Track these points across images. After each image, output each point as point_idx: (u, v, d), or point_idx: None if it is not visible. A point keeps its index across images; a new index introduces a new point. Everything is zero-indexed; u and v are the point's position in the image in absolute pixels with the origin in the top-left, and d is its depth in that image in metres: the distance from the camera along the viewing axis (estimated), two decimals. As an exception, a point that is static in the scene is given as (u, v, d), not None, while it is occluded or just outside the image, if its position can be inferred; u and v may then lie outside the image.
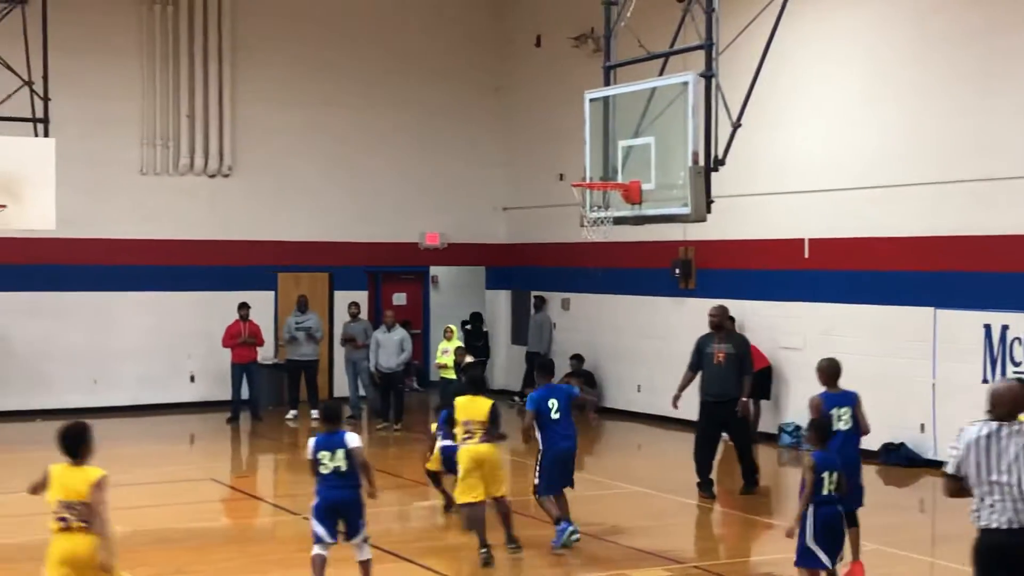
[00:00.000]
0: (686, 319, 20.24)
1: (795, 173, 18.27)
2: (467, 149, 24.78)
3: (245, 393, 21.03)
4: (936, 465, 15.97)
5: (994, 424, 7.09)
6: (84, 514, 7.83)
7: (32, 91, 19.10)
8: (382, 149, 24.02)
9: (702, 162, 12.02)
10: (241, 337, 20.86)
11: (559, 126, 21.92)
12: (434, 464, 13.20)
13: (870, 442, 16.42)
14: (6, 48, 19.06)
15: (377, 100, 23.89)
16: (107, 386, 21.49)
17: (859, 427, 10.77)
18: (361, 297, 23.35)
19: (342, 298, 22.67)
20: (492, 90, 24.93)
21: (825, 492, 9.35)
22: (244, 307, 21.02)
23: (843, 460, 9.92)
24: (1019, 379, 7.89)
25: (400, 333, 20.21)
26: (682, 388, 14.90)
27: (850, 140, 17.57)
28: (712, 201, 12.14)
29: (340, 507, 9.89)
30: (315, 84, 23.38)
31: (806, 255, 18.20)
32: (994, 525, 7.00)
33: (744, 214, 18.57)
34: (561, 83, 22.13)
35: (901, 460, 16.30)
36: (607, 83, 13.52)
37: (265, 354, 21.91)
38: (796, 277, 18.32)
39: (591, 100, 13.32)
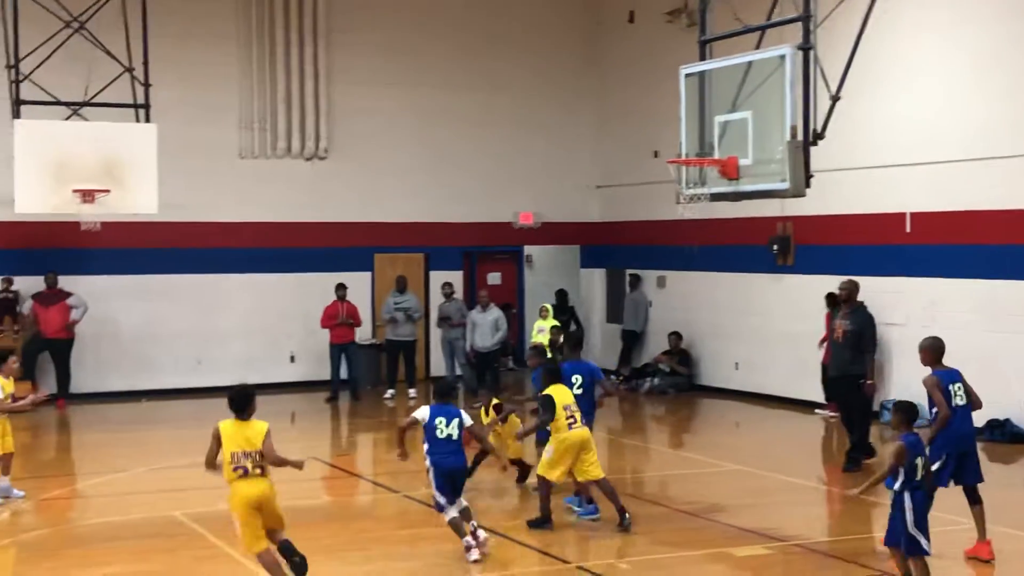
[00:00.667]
0: (784, 296, 20.07)
1: (896, 146, 17.94)
2: (561, 128, 24.74)
3: (344, 373, 21.27)
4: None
5: None
6: (259, 461, 9.26)
7: (133, 77, 19.46)
8: (476, 129, 24.06)
9: (800, 136, 11.86)
10: (339, 318, 21.08)
11: (653, 102, 21.79)
12: (515, 452, 13.28)
13: (975, 419, 16.17)
14: (108, 36, 19.43)
15: (470, 80, 23.93)
16: (210, 367, 21.83)
17: (971, 402, 10.71)
18: (456, 277, 23.45)
19: (438, 278, 22.79)
20: (586, 67, 24.84)
21: (919, 477, 9.15)
22: (342, 288, 21.23)
23: (965, 435, 10.27)
24: None
25: (495, 313, 20.28)
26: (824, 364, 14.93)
27: (953, 111, 17.21)
28: (811, 176, 11.98)
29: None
30: (409, 66, 23.49)
31: (908, 229, 17.87)
32: None
33: (843, 188, 18.28)
34: (655, 59, 21.98)
35: (1005, 437, 16.00)
36: (702, 58, 13.38)
37: (363, 334, 22.11)
38: (898, 252, 18.00)
39: (686, 75, 13.19)
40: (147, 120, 19.20)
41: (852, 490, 9.43)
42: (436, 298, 22.25)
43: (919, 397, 17.16)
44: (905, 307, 17.62)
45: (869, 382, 14.46)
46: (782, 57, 11.86)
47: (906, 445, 9.14)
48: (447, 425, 10.69)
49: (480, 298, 20.75)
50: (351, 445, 18.86)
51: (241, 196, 22.42)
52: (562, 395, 11.85)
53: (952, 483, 10.72)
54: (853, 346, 14.49)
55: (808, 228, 19.59)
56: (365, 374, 21.98)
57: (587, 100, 24.86)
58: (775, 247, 20.17)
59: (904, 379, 16.04)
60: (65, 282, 20.69)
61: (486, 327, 20.21)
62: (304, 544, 9.84)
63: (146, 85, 19.43)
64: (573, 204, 24.95)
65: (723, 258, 21.48)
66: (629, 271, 23.80)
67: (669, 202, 14.20)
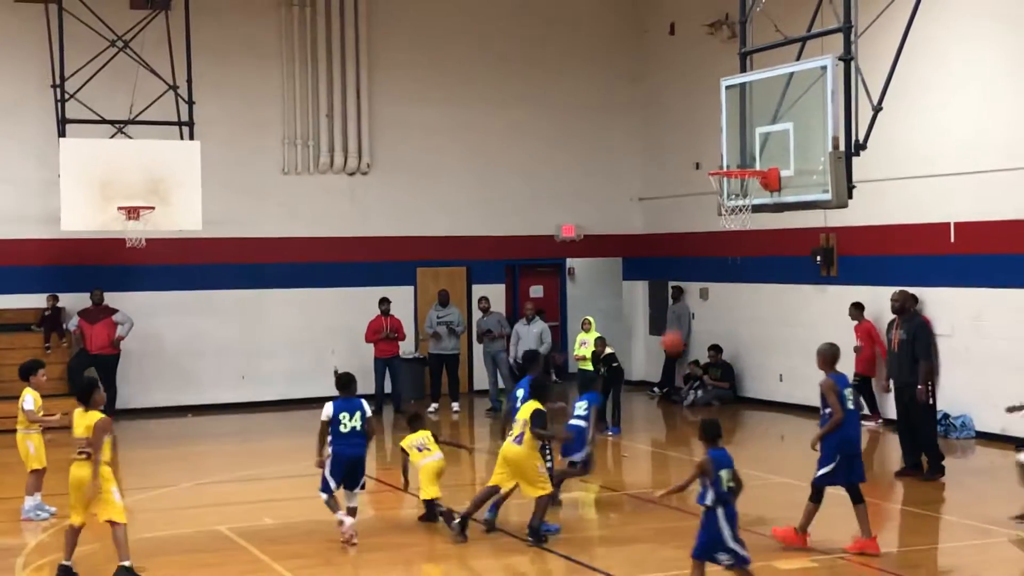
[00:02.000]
0: (828, 307, 19.94)
1: (939, 156, 17.81)
2: (602, 140, 24.74)
3: (388, 387, 21.32)
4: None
5: None
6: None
7: (177, 95, 19.67)
8: (516, 142, 24.12)
9: (842, 147, 11.83)
10: (383, 332, 21.15)
11: (695, 114, 21.77)
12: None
13: (1019, 428, 16.02)
14: (151, 54, 19.66)
15: (510, 93, 23.99)
16: (254, 382, 21.98)
17: (858, 407, 11.58)
18: (498, 291, 23.49)
19: (480, 292, 22.83)
20: (626, 79, 24.84)
21: (726, 489, 9.24)
22: (385, 302, 21.30)
23: (854, 438, 11.20)
24: None
25: (540, 325, 20.29)
26: (886, 375, 15.18)
27: (995, 120, 17.07)
28: (853, 186, 11.94)
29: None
30: (449, 80, 23.58)
31: (952, 239, 17.74)
32: None
33: (886, 199, 18.18)
34: (696, 70, 21.96)
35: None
36: (743, 69, 13.37)
37: (406, 348, 22.18)
38: (942, 262, 17.86)
39: (727, 87, 13.18)
40: (191, 137, 19.40)
41: (658, 492, 9.64)
42: (478, 312, 22.29)
43: (968, 408, 17.06)
44: (950, 318, 17.48)
45: (920, 388, 14.40)
46: (823, 68, 11.84)
47: (711, 459, 9.24)
48: (350, 418, 11.59)
49: (525, 310, 20.77)
50: (395, 459, 18.84)
51: (284, 211, 22.56)
52: (521, 409, 11.84)
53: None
54: (910, 355, 14.46)
55: (851, 239, 19.48)
56: (409, 388, 22.04)
57: (629, 112, 24.86)
58: (818, 258, 20.07)
59: (952, 390, 15.92)
60: (111, 299, 20.89)
61: (530, 339, 20.21)
62: (348, 559, 9.90)
63: (190, 103, 19.63)
64: (615, 216, 24.93)
65: (766, 269, 21.39)
66: (672, 283, 23.75)
67: (711, 214, 14.20)
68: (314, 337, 22.66)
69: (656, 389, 23.12)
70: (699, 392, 21.80)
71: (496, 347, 21.17)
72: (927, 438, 14.69)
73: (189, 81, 19.72)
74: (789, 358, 20.78)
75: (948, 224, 17.77)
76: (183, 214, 18.64)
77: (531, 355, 13.74)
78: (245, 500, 12.28)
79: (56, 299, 20.80)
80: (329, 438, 11.69)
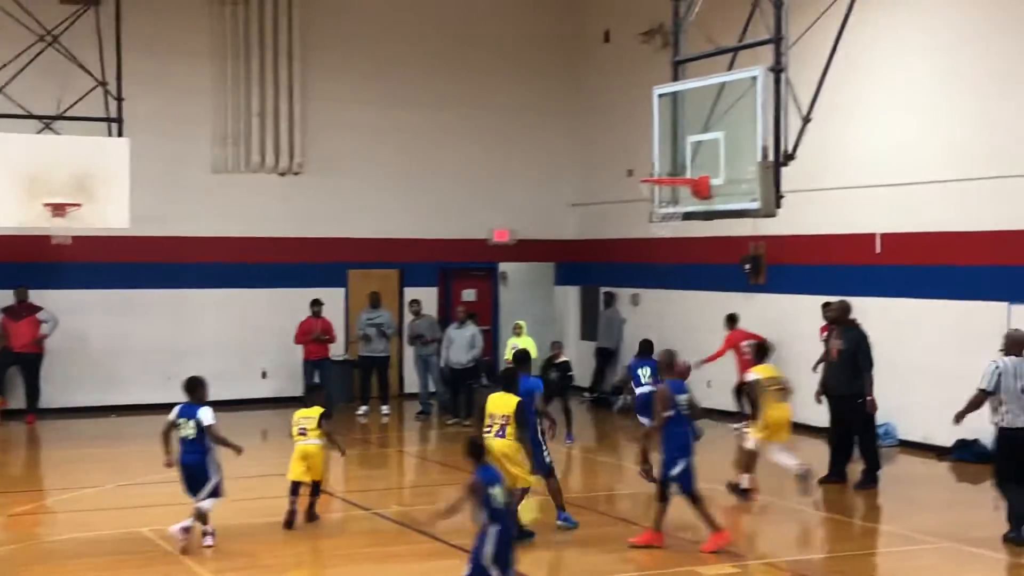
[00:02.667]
0: (756, 314, 20.13)
1: (866, 167, 18.06)
2: (536, 145, 24.79)
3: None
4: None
5: (1013, 358, 11.72)
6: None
7: (106, 91, 19.43)
8: (451, 146, 24.10)
9: (771, 156, 11.95)
10: (313, 334, 21.02)
11: (628, 121, 21.86)
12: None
13: (945, 438, 16.27)
14: (80, 49, 19.40)
15: (446, 97, 23.96)
16: (180, 382, 21.67)
17: (693, 413, 11.88)
18: (431, 294, 23.45)
19: (412, 294, 22.76)
20: (562, 86, 24.90)
21: (496, 507, 8.74)
22: (316, 304, 21.18)
23: (691, 442, 11.60)
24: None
25: (471, 329, 20.26)
26: (821, 383, 15.13)
27: (923, 133, 17.34)
28: (782, 196, 12.07)
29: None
30: (384, 82, 23.50)
31: (878, 250, 17.99)
32: (1016, 424, 11.59)
33: (814, 208, 18.39)
34: (630, 79, 22.06)
35: (974, 456, 16.05)
36: (676, 78, 13.46)
37: (337, 351, 22.06)
38: (868, 272, 18.11)
39: (660, 95, 13.27)
40: (120, 134, 19.15)
41: (428, 516, 9.28)
42: (410, 315, 22.20)
43: (891, 416, 17.27)
44: (875, 327, 17.65)
45: (869, 398, 14.55)
46: (754, 78, 11.96)
47: (479, 479, 8.75)
48: (186, 425, 11.58)
49: (457, 314, 20.72)
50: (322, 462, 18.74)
51: (214, 211, 22.35)
52: (491, 403, 11.75)
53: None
54: (850, 365, 14.60)
55: (780, 248, 19.69)
56: (338, 391, 21.91)
57: (563, 118, 24.93)
58: (747, 266, 20.26)
59: (876, 398, 16.06)
60: (35, 296, 20.58)
61: (462, 343, 20.17)
62: (272, 561, 9.83)
63: (119, 99, 19.39)
64: (548, 221, 24.99)
65: (696, 277, 21.55)
66: (604, 289, 23.85)
67: (643, 220, 14.26)
68: (243, 338, 22.47)
69: (586, 394, 23.20)
70: (629, 397, 21.84)
71: (428, 351, 21.11)
72: (869, 447, 14.84)
73: (119, 77, 19.47)
74: (717, 365, 20.92)
75: (874, 235, 18.02)
76: (110, 212, 18.36)
77: (522, 355, 13.34)
78: (168, 502, 12.14)
79: (-21, 296, 20.48)
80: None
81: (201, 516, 11.47)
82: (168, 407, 12.07)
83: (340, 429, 20.05)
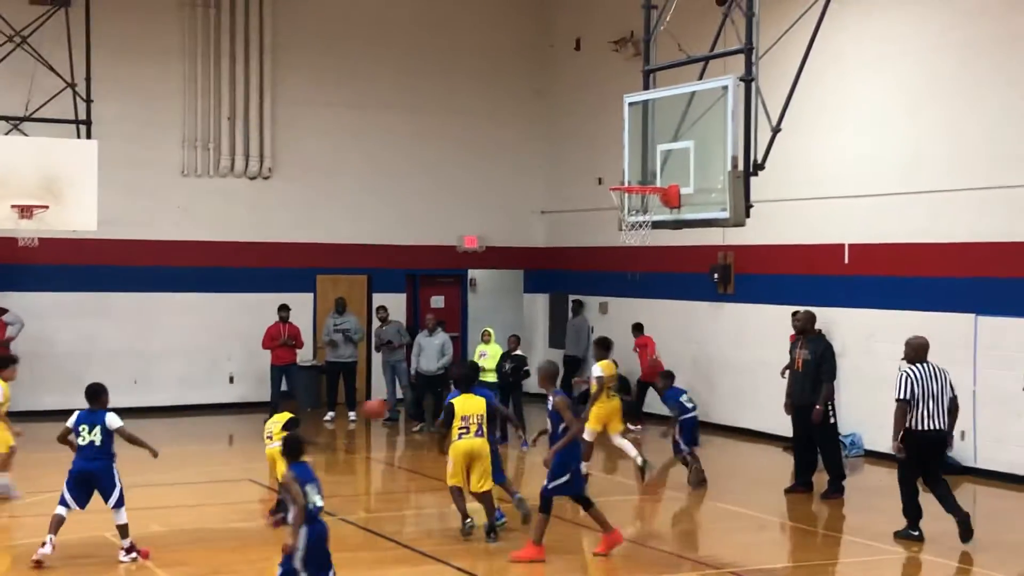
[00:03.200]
0: (725, 324, 20.20)
1: (835, 178, 18.15)
2: (506, 152, 24.80)
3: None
4: (977, 473, 15.87)
5: (919, 365, 12.31)
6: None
7: (75, 93, 19.34)
8: (421, 152, 24.07)
9: (741, 166, 11.96)
10: (281, 339, 20.93)
11: (598, 130, 21.91)
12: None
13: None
14: (49, 50, 19.29)
15: (417, 103, 23.94)
16: (147, 387, 21.62)
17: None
18: (399, 300, 23.39)
19: (380, 300, 22.71)
20: (532, 93, 24.93)
21: (312, 507, 8.81)
22: (284, 309, 21.10)
23: (579, 451, 11.82)
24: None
25: (441, 337, 20.20)
26: (787, 394, 15.15)
27: (892, 144, 17.44)
28: (751, 206, 12.09)
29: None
30: (355, 87, 23.47)
31: (846, 260, 18.08)
32: (926, 427, 12.18)
33: (784, 219, 18.46)
34: (600, 87, 22.11)
35: (941, 468, 16.09)
36: (646, 87, 13.47)
37: (304, 356, 21.97)
38: (836, 283, 18.19)
39: (630, 104, 13.28)
40: (88, 136, 19.06)
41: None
42: (377, 321, 22.14)
43: (858, 426, 17.35)
44: (843, 337, 17.78)
45: (817, 407, 14.59)
46: (724, 88, 11.98)
47: (294, 475, 8.94)
48: (89, 432, 11.42)
49: (426, 322, 20.65)
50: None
51: (183, 214, 22.25)
52: (463, 405, 12.04)
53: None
54: (813, 376, 14.67)
55: (748, 257, 19.75)
56: (305, 396, 21.82)
57: (534, 125, 24.95)
58: (716, 275, 20.31)
59: (843, 408, 16.14)
60: (1, 298, 20.42)
61: (432, 351, 20.10)
62: (239, 567, 9.76)
63: (88, 101, 19.30)
64: (518, 229, 24.99)
65: (665, 285, 21.60)
66: (572, 296, 23.86)
67: (612, 229, 14.28)
68: (210, 343, 22.37)
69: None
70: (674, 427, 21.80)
71: (396, 357, 21.06)
72: (831, 457, 14.90)
73: (88, 79, 19.38)
74: (685, 374, 20.92)
75: (843, 245, 18.10)
76: (78, 214, 18.26)
77: (473, 367, 13.99)
78: (133, 506, 12.04)
79: (-57, 297, 20.30)
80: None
81: (123, 529, 11.32)
82: (134, 411, 12.02)
83: (307, 435, 20.02)
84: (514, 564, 11.29)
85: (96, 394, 11.70)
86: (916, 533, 12.32)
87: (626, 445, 15.22)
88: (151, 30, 22.03)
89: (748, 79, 12.02)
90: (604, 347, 15.61)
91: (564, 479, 11.41)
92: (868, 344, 17.45)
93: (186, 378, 22.09)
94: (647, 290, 21.89)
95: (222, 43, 22.52)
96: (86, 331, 21.47)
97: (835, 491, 14.69)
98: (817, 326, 15.82)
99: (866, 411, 17.21)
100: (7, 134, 19.03)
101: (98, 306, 21.61)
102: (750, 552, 12.36)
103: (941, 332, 16.53)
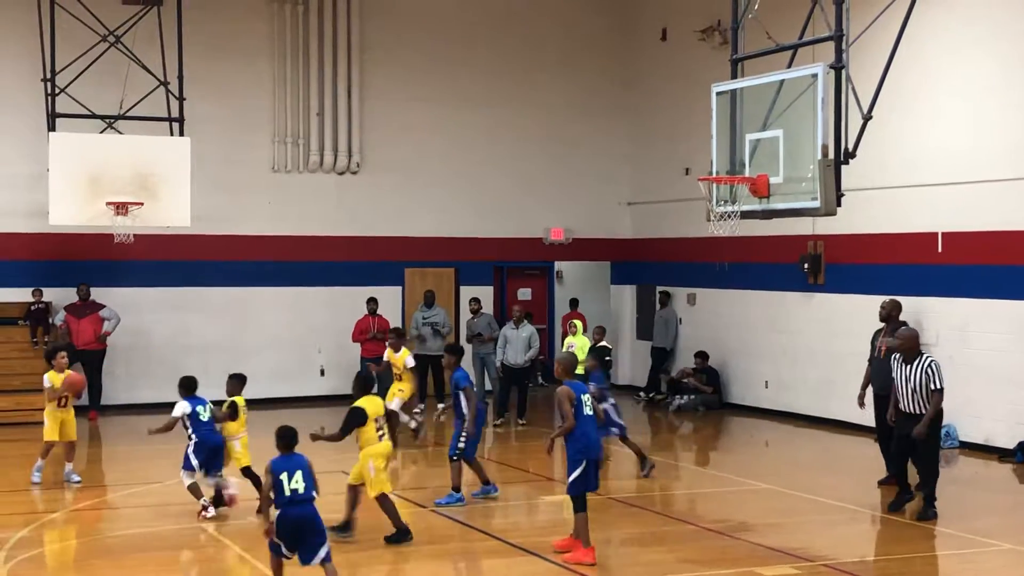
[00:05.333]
0: (815, 314, 19.99)
1: (928, 165, 17.87)
2: (592, 144, 24.77)
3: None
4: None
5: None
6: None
7: (168, 91, 19.65)
8: (507, 145, 24.13)
9: (832, 155, 11.85)
10: (370, 332, 21.11)
11: (685, 120, 21.80)
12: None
13: (1007, 440, 16.08)
14: (143, 49, 19.62)
15: (502, 96, 24.01)
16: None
17: (596, 414, 11.47)
18: (487, 292, 23.47)
19: (468, 293, 22.82)
20: (618, 84, 24.86)
21: (287, 493, 9.45)
22: (373, 302, 21.28)
23: (597, 443, 11.20)
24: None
25: (528, 330, 20.20)
26: (864, 385, 14.83)
27: (985, 130, 17.12)
28: (842, 194, 11.97)
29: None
30: (441, 81, 23.59)
31: (939, 249, 17.78)
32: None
33: (875, 207, 18.22)
34: (687, 76, 21.99)
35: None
36: (734, 76, 13.39)
37: (392, 349, 22.10)
38: (929, 272, 17.91)
39: (718, 93, 13.21)
40: (181, 134, 19.37)
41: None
42: (466, 313, 22.24)
43: (952, 417, 17.10)
44: (936, 327, 17.52)
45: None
46: (814, 76, 11.87)
47: (270, 467, 9.61)
48: (204, 411, 13.24)
49: (513, 313, 20.68)
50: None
51: (273, 209, 22.55)
52: (374, 407, 11.94)
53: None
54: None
55: (839, 247, 19.53)
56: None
57: (620, 117, 24.88)
58: (806, 265, 20.10)
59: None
60: (97, 294, 20.85)
61: (519, 343, 20.11)
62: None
63: (180, 99, 19.60)
64: (604, 220, 24.95)
65: (754, 276, 21.43)
66: (659, 288, 23.77)
67: (700, 219, 14.19)
68: (301, 336, 22.65)
69: (642, 394, 23.15)
70: (684, 398, 21.81)
71: (485, 349, 21.11)
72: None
73: (180, 77, 19.69)
74: (775, 365, 20.83)
75: (936, 234, 17.81)
76: (171, 210, 18.61)
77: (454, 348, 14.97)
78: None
79: (40, 293, 20.73)
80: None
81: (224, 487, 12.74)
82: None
83: (396, 427, 20.19)
84: (610, 552, 11.29)
85: (195, 384, 13.60)
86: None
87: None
88: (241, 28, 22.34)
89: (838, 66, 11.91)
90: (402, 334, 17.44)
91: (578, 472, 10.99)
92: (962, 334, 17.16)
93: (279, 371, 22.38)
94: (736, 281, 21.74)
95: (310, 40, 22.77)
96: (180, 325, 21.86)
97: (928, 517, 13.83)
98: (907, 316, 15.56)
99: (960, 402, 16.91)
100: (102, 132, 19.41)
101: (192, 300, 21.98)
102: (843, 545, 12.24)
103: (1038, 321, 16.26)
